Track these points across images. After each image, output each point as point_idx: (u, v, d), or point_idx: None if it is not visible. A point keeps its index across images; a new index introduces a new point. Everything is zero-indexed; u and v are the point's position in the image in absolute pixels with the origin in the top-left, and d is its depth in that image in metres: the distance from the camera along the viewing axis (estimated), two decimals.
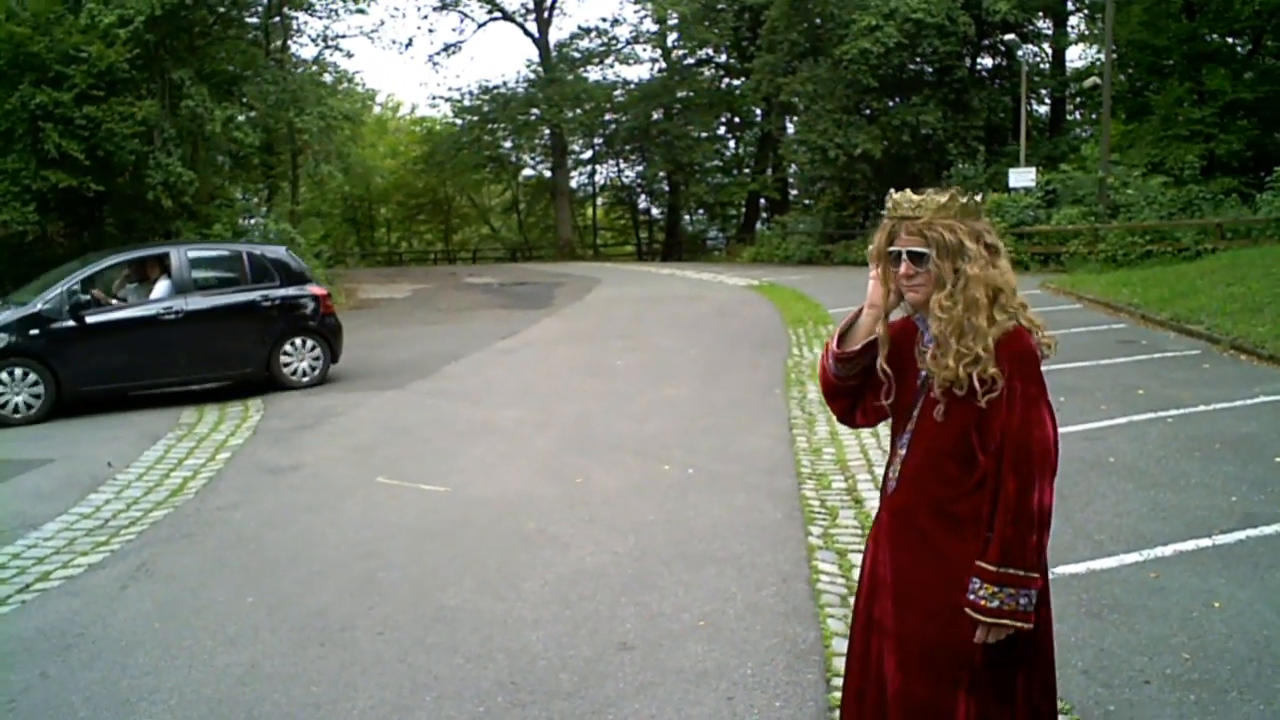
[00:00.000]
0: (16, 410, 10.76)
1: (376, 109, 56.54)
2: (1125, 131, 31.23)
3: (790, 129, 41.37)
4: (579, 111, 48.13)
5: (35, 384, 10.87)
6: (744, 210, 50.52)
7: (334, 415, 10.35)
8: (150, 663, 4.74)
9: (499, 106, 49.11)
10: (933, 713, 2.69)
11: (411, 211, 59.04)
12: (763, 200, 48.39)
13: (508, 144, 52.32)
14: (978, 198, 2.80)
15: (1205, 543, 5.69)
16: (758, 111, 46.41)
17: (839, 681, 4.28)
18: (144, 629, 5.15)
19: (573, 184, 54.18)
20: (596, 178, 56.71)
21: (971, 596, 2.59)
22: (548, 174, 54.03)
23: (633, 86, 49.88)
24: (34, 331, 10.95)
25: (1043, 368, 2.66)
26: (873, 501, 6.83)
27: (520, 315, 20.52)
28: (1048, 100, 38.53)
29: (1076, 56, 40.10)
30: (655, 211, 56.16)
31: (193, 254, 12.31)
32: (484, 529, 6.53)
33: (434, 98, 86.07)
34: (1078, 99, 38.25)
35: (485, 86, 49.93)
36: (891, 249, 2.75)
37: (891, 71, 32.86)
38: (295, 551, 6.22)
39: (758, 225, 48.20)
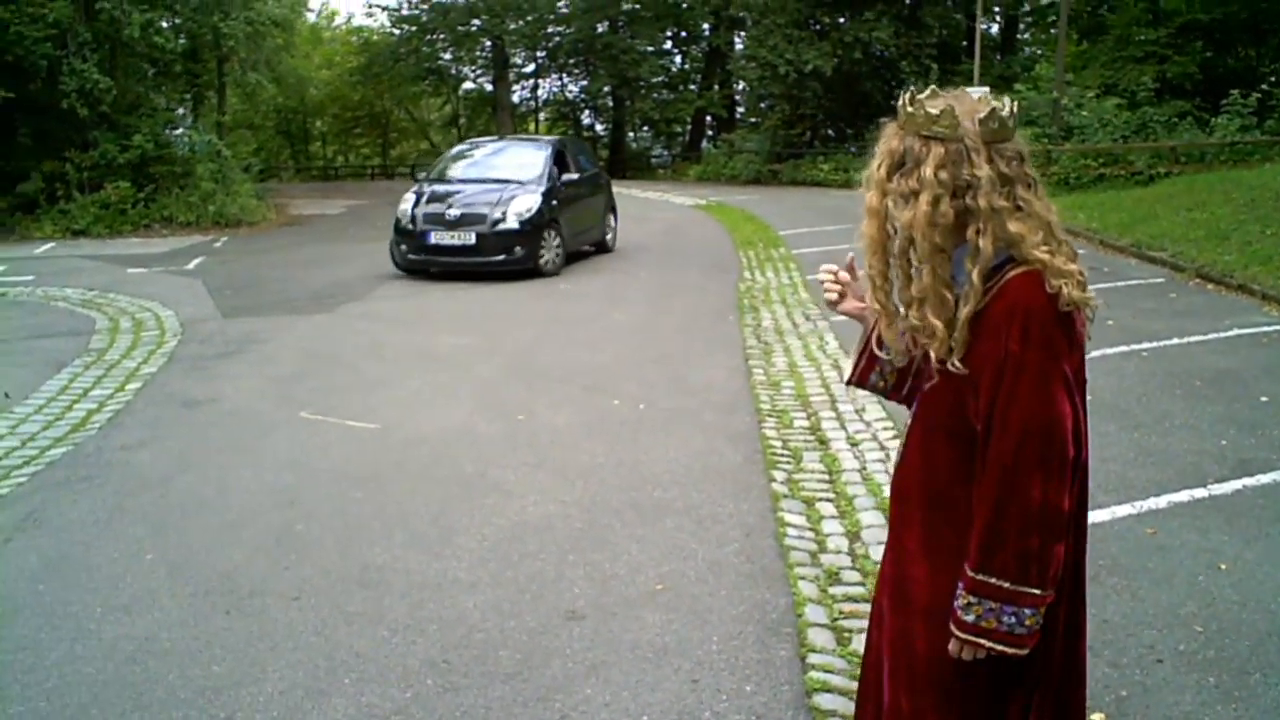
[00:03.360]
0: None
1: (311, 17, 54.34)
2: (1079, 52, 30.60)
3: (739, 44, 40.35)
4: (522, 23, 46.55)
5: None
6: (690, 128, 49.46)
7: (257, 341, 9.63)
8: (29, 634, 4.12)
9: (439, 16, 47.28)
10: None
11: (348, 125, 57.08)
12: (709, 117, 47.38)
13: (447, 56, 50.49)
14: (993, 109, 2.03)
15: (1201, 493, 5.26)
16: (706, 26, 45.20)
17: (815, 659, 3.81)
18: (26, 592, 4.51)
19: (515, 98, 52.67)
20: (539, 92, 55.20)
21: (955, 603, 2.05)
22: (489, 88, 52.37)
23: None
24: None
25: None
26: (839, 442, 6.35)
27: None
28: (1000, 19, 37.81)
29: None
30: (600, 128, 54.70)
31: None
32: (418, 473, 5.94)
33: (371, 6, 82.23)
34: (1030, 17, 37.56)
35: None
36: None
37: None
38: (205, 499, 5.58)
39: (704, 143, 47.25)
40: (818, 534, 5.00)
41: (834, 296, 2.45)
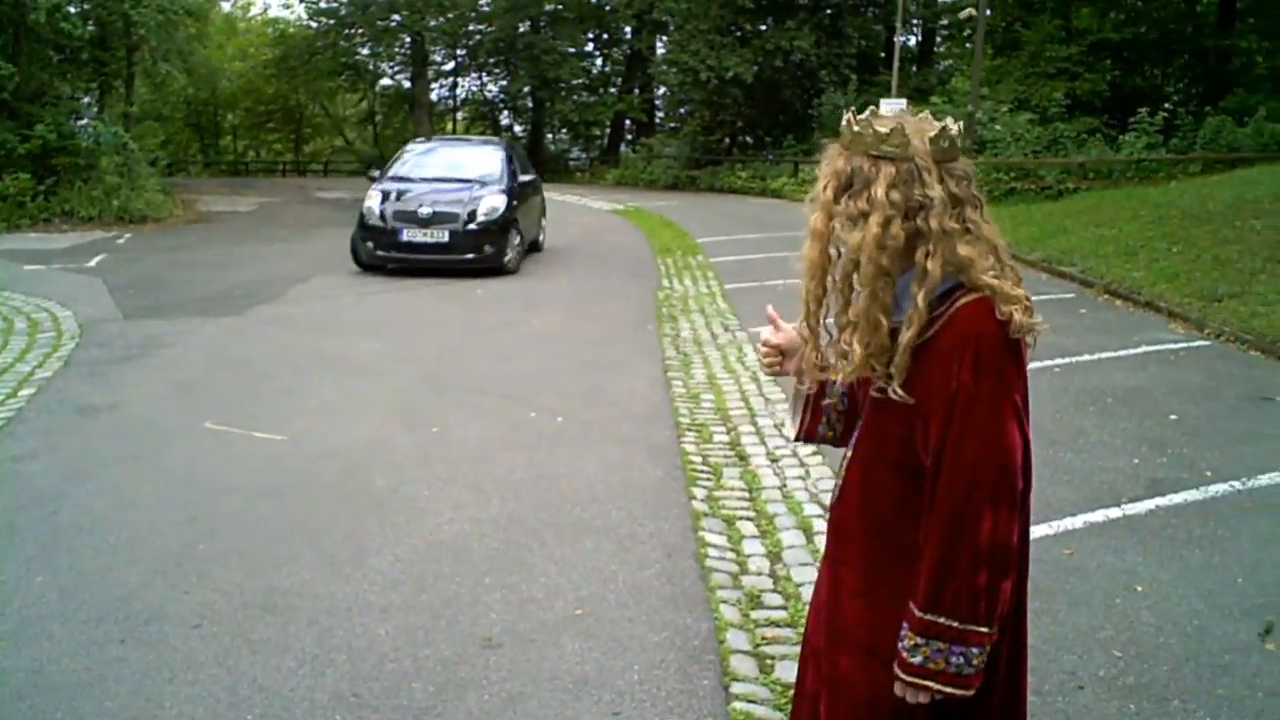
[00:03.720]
0: None
1: (225, 6, 53.09)
2: (994, 67, 31.15)
3: (661, 49, 40.40)
4: (442, 20, 46.05)
5: None
6: (609, 131, 49.41)
7: (162, 345, 9.29)
8: None
9: (357, 10, 46.51)
10: None
11: (260, 119, 55.84)
12: (629, 121, 47.37)
13: (365, 51, 49.82)
14: (943, 128, 1.98)
15: (1115, 513, 5.31)
16: (628, 29, 45.16)
17: (739, 688, 3.73)
18: None
19: (433, 96, 52.08)
20: (458, 91, 54.68)
21: (901, 644, 1.98)
22: (407, 85, 51.72)
23: None
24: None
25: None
26: (759, 458, 6.30)
27: None
28: (918, 31, 38.37)
29: None
30: (518, 129, 54.40)
31: None
32: (327, 488, 5.73)
33: None
34: (947, 30, 38.15)
35: None
36: None
37: None
38: (101, 515, 5.31)
39: (622, 147, 47.22)
40: (739, 554, 4.93)
41: (775, 371, 2.37)
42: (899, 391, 1.96)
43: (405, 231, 13.60)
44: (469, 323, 10.54)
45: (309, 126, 57.73)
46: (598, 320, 10.74)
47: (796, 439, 2.39)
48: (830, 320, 2.10)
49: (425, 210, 13.65)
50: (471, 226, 13.63)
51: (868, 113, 2.03)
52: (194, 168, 48.91)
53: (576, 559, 4.80)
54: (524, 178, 15.75)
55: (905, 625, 1.97)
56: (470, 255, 13.61)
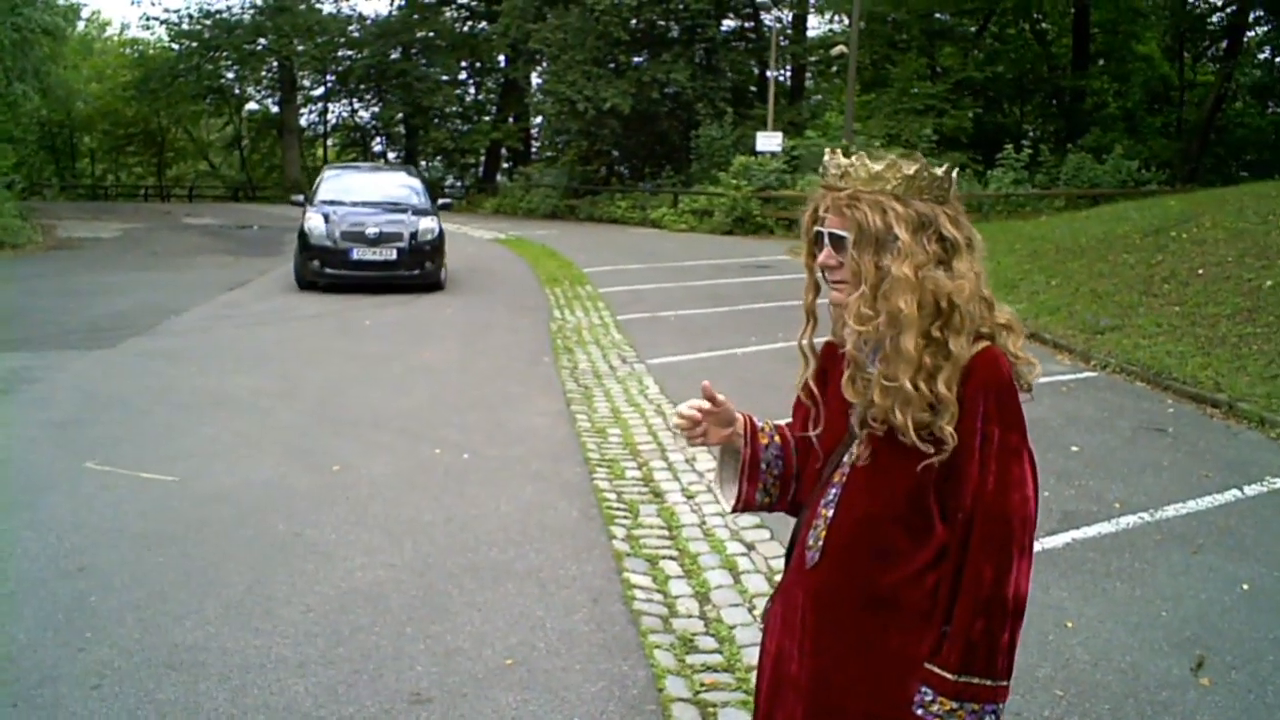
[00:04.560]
0: None
1: (81, 26, 51.17)
2: (864, 102, 32.02)
3: (537, 79, 40.38)
4: (311, 45, 45.24)
5: None
6: (484, 159, 49.12)
7: (27, 380, 8.73)
8: None
9: (222, 33, 45.42)
10: None
11: (120, 142, 53.96)
12: (505, 150, 47.16)
13: (231, 75, 48.65)
14: (941, 170, 1.97)
15: (1035, 547, 5.33)
16: (502, 58, 44.99)
17: None
18: None
19: (302, 122, 51.19)
20: (329, 116, 53.75)
21: (919, 711, 1.89)
22: (275, 109, 50.70)
23: (370, 22, 47.37)
24: None
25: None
26: (674, 494, 6.19)
27: (248, 263, 18.78)
28: (788, 67, 39.14)
29: (815, 25, 40.97)
30: (391, 155, 53.73)
31: None
32: (225, 533, 5.41)
33: (148, 18, 78.50)
34: (818, 66, 39.02)
35: (207, 10, 46.10)
36: (817, 228, 2.03)
37: (643, 26, 32.42)
38: None
39: (498, 176, 46.97)
40: (666, 596, 4.80)
41: (699, 443, 2.20)
42: (950, 432, 1.86)
43: (355, 250, 14.60)
44: (357, 355, 10.20)
45: (172, 150, 56.11)
46: (491, 353, 10.53)
47: (734, 510, 2.24)
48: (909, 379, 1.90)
49: (373, 231, 14.72)
50: (413, 245, 14.79)
51: (902, 154, 1.99)
52: (50, 192, 46.92)
53: (500, 605, 4.61)
54: (443, 201, 17.89)
55: (929, 689, 1.88)
56: (415, 271, 14.79)
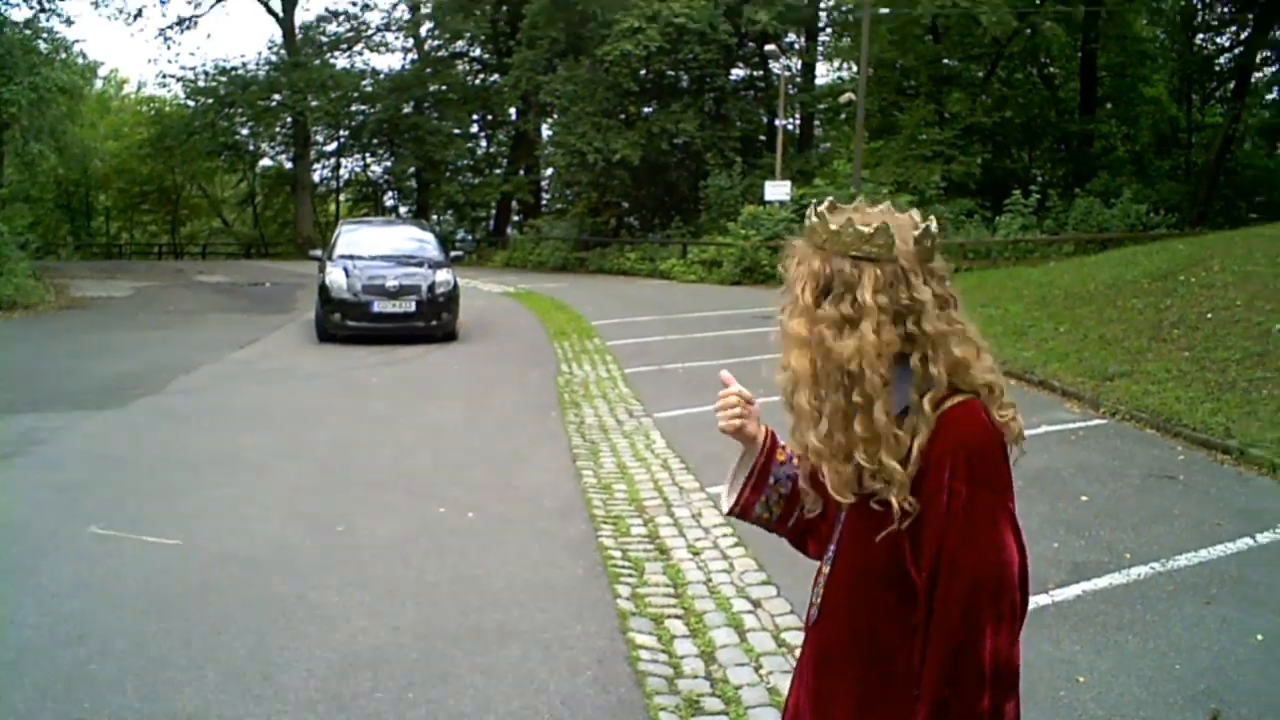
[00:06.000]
0: None
1: (98, 84, 51.94)
2: (872, 149, 32.24)
3: (547, 131, 40.73)
4: (324, 100, 45.75)
5: None
6: (494, 212, 49.45)
7: (35, 442, 8.74)
8: None
9: (237, 90, 45.99)
10: None
11: (135, 200, 54.44)
12: (515, 202, 47.49)
13: (245, 131, 49.20)
14: (872, 227, 1.85)
15: (1044, 600, 5.28)
16: (513, 111, 45.43)
17: None
18: None
19: (315, 177, 51.61)
20: (341, 171, 54.25)
21: None
22: (288, 165, 51.19)
23: (383, 76, 47.92)
24: None
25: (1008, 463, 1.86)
26: (680, 550, 6.15)
27: (259, 320, 18.85)
28: (798, 115, 39.43)
29: (823, 73, 41.32)
30: (403, 210, 54.14)
31: None
32: (228, 597, 5.38)
33: (164, 76, 79.72)
34: (828, 114, 39.28)
35: (223, 67, 46.71)
36: None
37: (652, 77, 32.74)
38: None
39: (509, 229, 47.25)
40: (671, 656, 4.75)
41: (737, 423, 2.17)
42: (911, 501, 1.83)
43: (376, 303, 15.06)
44: (363, 413, 10.21)
45: (186, 208, 56.60)
46: (498, 409, 10.52)
47: (730, 513, 2.22)
48: (811, 436, 1.96)
49: (393, 284, 15.21)
50: (430, 298, 15.27)
51: (851, 207, 1.93)
52: (64, 250, 47.39)
53: (503, 668, 4.56)
54: (455, 254, 18.21)
55: None
56: (433, 323, 15.23)
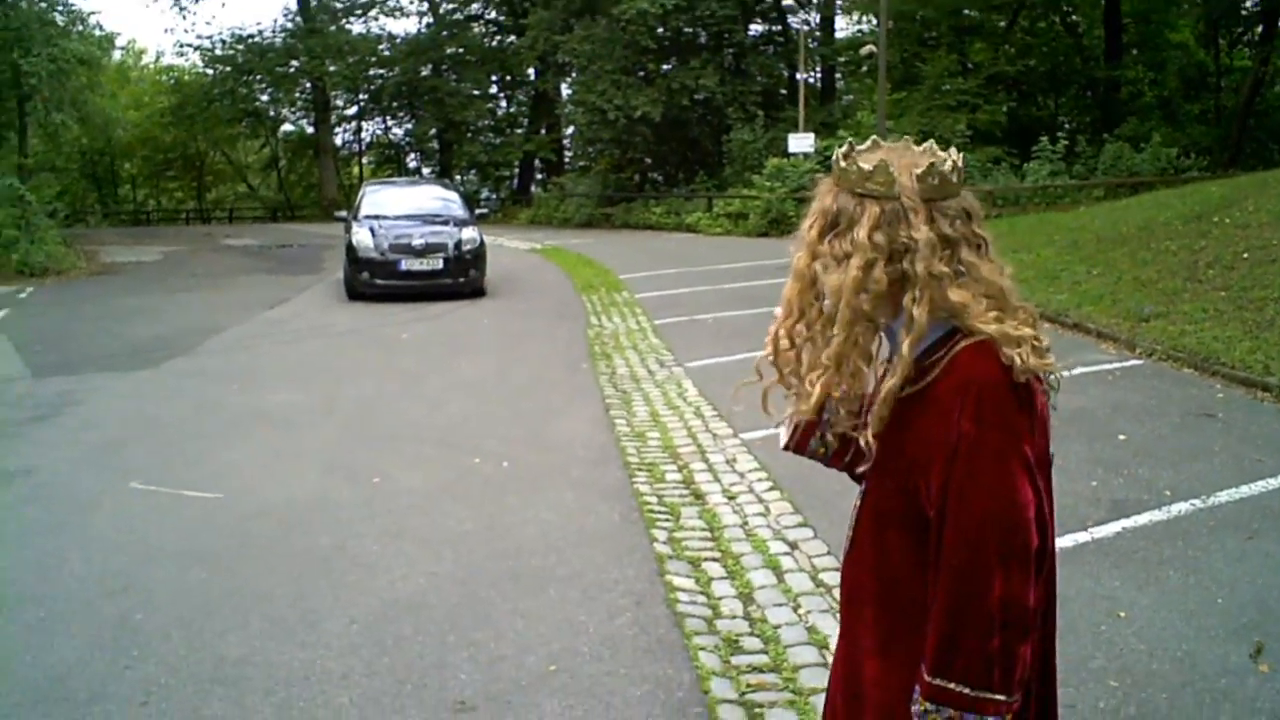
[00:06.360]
0: None
1: (117, 55, 51.93)
2: (896, 100, 31.84)
3: (565, 89, 40.49)
4: (343, 64, 45.60)
5: None
6: (518, 171, 49.31)
7: (73, 403, 8.83)
8: None
9: (255, 57, 45.88)
10: None
11: (159, 167, 54.60)
12: (538, 161, 47.32)
13: (265, 97, 49.12)
14: (871, 164, 1.83)
15: (1084, 537, 5.25)
16: (532, 71, 45.16)
17: None
18: None
19: (337, 141, 51.61)
20: (363, 134, 54.16)
21: (915, 708, 1.82)
22: (310, 130, 51.11)
23: (399, 41, 47.69)
24: None
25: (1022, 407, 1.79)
26: (715, 495, 6.15)
27: (288, 281, 18.91)
28: (818, 68, 38.99)
29: (843, 26, 40.79)
30: (426, 171, 54.04)
31: None
32: (268, 548, 5.44)
33: (182, 45, 79.70)
34: (848, 66, 38.82)
35: (239, 35, 46.55)
36: None
37: (670, 34, 32.42)
38: (25, 589, 4.95)
39: (533, 187, 47.12)
40: (710, 597, 4.76)
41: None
42: (869, 440, 1.87)
43: (404, 261, 15.18)
44: (395, 369, 10.24)
45: (211, 174, 56.71)
46: (529, 361, 10.54)
47: (786, 448, 2.22)
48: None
49: (419, 242, 15.31)
50: (458, 255, 15.36)
51: (867, 144, 1.91)
52: (93, 218, 47.67)
53: (543, 611, 4.59)
54: (480, 212, 18.61)
55: (916, 689, 1.83)
56: (461, 279, 15.34)
